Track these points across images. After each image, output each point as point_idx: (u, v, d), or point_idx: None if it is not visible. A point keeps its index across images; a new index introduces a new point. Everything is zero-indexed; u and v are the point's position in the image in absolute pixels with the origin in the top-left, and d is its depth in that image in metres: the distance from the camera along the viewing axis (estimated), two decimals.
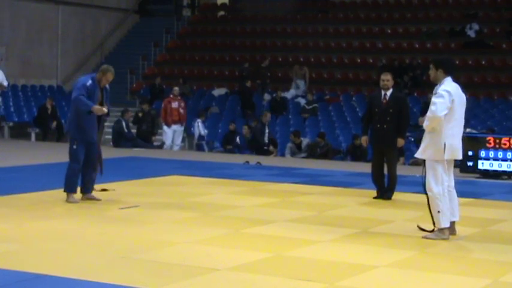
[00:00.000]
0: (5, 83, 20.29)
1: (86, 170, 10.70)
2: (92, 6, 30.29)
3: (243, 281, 6.80)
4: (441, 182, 8.65)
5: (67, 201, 10.48)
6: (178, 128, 21.70)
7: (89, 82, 10.59)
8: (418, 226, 9.15)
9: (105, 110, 10.61)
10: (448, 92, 8.60)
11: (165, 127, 21.66)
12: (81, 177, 10.72)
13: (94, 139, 10.67)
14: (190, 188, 12.54)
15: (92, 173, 10.73)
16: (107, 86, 10.87)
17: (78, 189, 10.72)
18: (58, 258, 7.39)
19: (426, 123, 8.73)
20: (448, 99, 8.57)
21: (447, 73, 8.76)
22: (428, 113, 8.67)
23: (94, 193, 10.84)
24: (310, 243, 8.42)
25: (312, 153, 20.48)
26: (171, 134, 21.57)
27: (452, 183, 8.88)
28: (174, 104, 21.61)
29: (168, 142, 21.57)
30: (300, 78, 26.73)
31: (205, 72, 29.31)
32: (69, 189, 10.54)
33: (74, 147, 10.56)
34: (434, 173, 8.67)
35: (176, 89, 22.21)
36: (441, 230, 8.73)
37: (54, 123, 23.51)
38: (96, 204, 10.54)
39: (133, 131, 21.85)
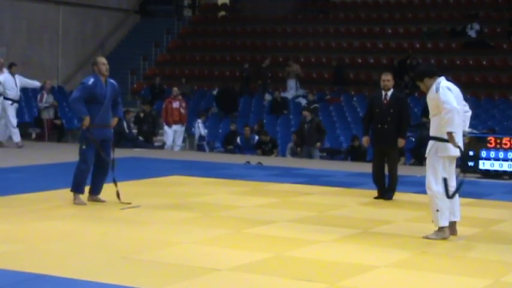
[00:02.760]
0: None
1: (96, 171, 10.63)
2: (93, 6, 30.30)
3: (244, 281, 6.80)
4: (441, 180, 8.64)
5: (74, 202, 10.42)
6: (179, 128, 21.61)
7: (91, 81, 10.47)
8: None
9: (111, 125, 10.66)
10: (445, 86, 8.63)
11: (165, 127, 21.59)
12: (91, 178, 10.66)
13: (107, 136, 10.61)
14: (191, 188, 12.54)
15: (102, 174, 10.65)
16: (114, 82, 10.75)
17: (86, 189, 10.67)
18: (58, 258, 7.39)
19: (450, 128, 8.44)
20: (450, 92, 8.59)
21: (433, 76, 8.79)
22: (446, 116, 8.48)
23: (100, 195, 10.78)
24: (310, 243, 8.42)
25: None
26: (171, 134, 21.51)
27: (454, 183, 8.86)
28: (175, 104, 21.54)
29: (168, 142, 21.52)
30: (291, 78, 26.79)
31: (206, 73, 29.32)
32: (76, 190, 10.46)
33: (83, 147, 10.48)
34: (433, 172, 8.66)
35: (175, 89, 22.12)
36: (441, 229, 8.72)
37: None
38: (97, 204, 10.53)
39: (134, 131, 21.83)
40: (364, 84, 26.88)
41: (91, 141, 10.40)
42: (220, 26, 32.00)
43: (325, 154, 21.06)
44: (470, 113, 9.16)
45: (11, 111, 18.68)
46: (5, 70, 18.71)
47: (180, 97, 21.95)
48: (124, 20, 31.88)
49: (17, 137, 18.91)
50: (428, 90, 8.82)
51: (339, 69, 26.69)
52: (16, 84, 18.73)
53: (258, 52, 29.20)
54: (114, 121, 10.78)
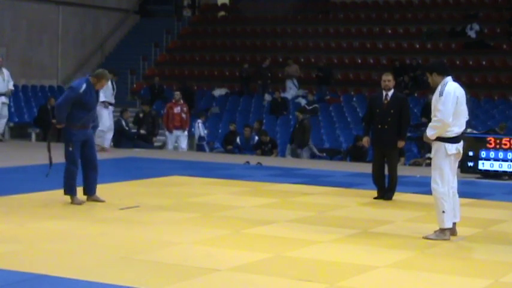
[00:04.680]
0: (11, 87, 20.20)
1: (86, 171, 10.66)
2: (93, 6, 30.30)
3: (244, 281, 6.80)
4: (447, 182, 8.64)
5: (72, 203, 10.43)
6: (181, 133, 21.01)
7: (83, 87, 10.41)
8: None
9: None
10: (451, 92, 8.62)
11: (166, 133, 21.02)
12: (82, 179, 10.68)
13: (88, 136, 10.61)
14: (190, 189, 12.54)
15: (93, 173, 10.69)
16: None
17: (80, 190, 10.67)
18: (58, 258, 7.39)
19: (432, 132, 8.67)
20: (453, 101, 8.58)
21: (442, 74, 8.77)
22: (435, 123, 8.61)
23: (98, 194, 10.79)
24: (310, 243, 8.42)
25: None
26: (173, 140, 20.87)
27: (456, 185, 8.86)
28: (176, 109, 20.82)
29: (170, 148, 20.97)
30: (290, 78, 26.77)
31: (206, 73, 29.33)
32: (69, 192, 10.49)
33: (70, 149, 10.50)
34: (440, 173, 8.66)
35: (177, 93, 21.58)
36: (442, 230, 8.72)
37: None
38: (96, 204, 10.53)
39: (134, 131, 21.73)
40: (362, 84, 26.91)
41: (75, 143, 10.43)
42: (220, 26, 32.00)
43: (324, 154, 21.06)
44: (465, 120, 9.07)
45: (105, 115, 18.39)
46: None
47: (182, 101, 21.41)
48: (124, 20, 31.88)
49: (101, 142, 18.32)
50: (434, 86, 8.80)
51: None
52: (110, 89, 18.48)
53: (257, 52, 29.20)
54: None
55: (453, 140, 8.65)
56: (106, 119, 18.37)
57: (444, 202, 8.64)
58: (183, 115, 20.91)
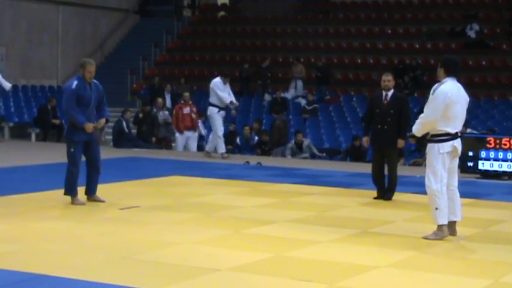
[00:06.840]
0: (8, 85, 20.16)
1: (88, 171, 10.66)
2: (92, 6, 30.31)
3: (244, 281, 6.80)
4: (440, 179, 8.65)
5: (72, 203, 10.43)
6: (192, 134, 20.57)
7: (75, 84, 10.35)
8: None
9: (97, 126, 10.50)
10: (444, 92, 8.59)
11: (177, 134, 20.62)
12: (85, 178, 10.66)
13: (91, 137, 10.58)
14: (190, 189, 12.54)
15: (95, 174, 10.69)
16: (98, 83, 10.65)
17: (82, 190, 10.67)
18: (58, 258, 7.39)
19: (416, 127, 8.76)
20: (443, 101, 8.55)
21: (447, 73, 8.74)
22: (420, 119, 8.73)
23: (98, 194, 10.79)
24: (310, 243, 8.42)
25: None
26: (183, 141, 20.66)
27: (456, 184, 8.87)
28: (186, 110, 20.45)
29: (179, 149, 20.72)
30: (296, 78, 26.75)
31: (206, 73, 29.29)
32: (70, 192, 10.49)
33: (72, 150, 10.48)
34: (433, 170, 8.67)
35: (186, 95, 21.33)
36: (440, 227, 8.72)
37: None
38: (96, 204, 10.53)
39: (133, 131, 21.71)
40: (362, 84, 26.91)
41: (77, 143, 10.41)
42: (220, 26, 32.01)
43: (324, 154, 21.06)
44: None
45: (218, 119, 17.78)
46: None
47: (191, 102, 21.10)
48: (123, 20, 31.89)
49: (222, 147, 17.93)
50: (437, 77, 8.83)
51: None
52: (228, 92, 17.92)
53: (257, 52, 29.21)
54: (101, 122, 10.63)
55: (445, 139, 8.65)
56: (220, 124, 17.77)
57: (437, 199, 8.64)
58: (193, 115, 20.64)
